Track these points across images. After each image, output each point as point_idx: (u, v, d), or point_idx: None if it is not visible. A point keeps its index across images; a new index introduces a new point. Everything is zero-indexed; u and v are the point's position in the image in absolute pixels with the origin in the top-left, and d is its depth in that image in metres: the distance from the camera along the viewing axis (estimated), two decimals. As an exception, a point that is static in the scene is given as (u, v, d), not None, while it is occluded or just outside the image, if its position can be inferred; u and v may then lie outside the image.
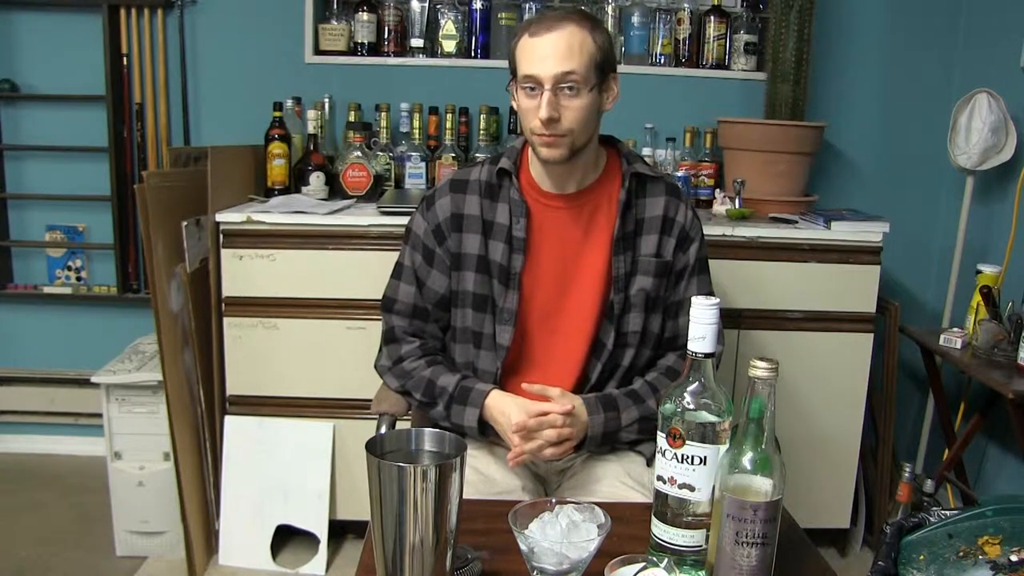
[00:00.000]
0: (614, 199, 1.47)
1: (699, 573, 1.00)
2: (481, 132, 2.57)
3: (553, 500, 1.01)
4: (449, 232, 1.49)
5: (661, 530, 1.02)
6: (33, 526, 2.45)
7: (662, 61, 2.65)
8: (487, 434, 1.45)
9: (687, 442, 0.98)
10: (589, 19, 1.39)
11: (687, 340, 1.50)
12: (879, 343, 2.36)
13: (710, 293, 1.50)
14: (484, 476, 1.44)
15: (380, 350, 1.57)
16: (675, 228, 1.49)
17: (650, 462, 1.46)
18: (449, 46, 2.60)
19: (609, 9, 2.60)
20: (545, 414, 1.37)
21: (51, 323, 2.86)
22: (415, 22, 2.62)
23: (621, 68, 2.57)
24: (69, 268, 2.82)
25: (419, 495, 0.88)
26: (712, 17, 2.59)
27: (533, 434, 1.37)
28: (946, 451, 2.42)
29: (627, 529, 1.06)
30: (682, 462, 0.99)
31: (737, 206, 2.37)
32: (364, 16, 2.58)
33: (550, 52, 1.34)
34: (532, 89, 1.36)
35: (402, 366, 1.51)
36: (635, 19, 2.61)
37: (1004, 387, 1.94)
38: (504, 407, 1.41)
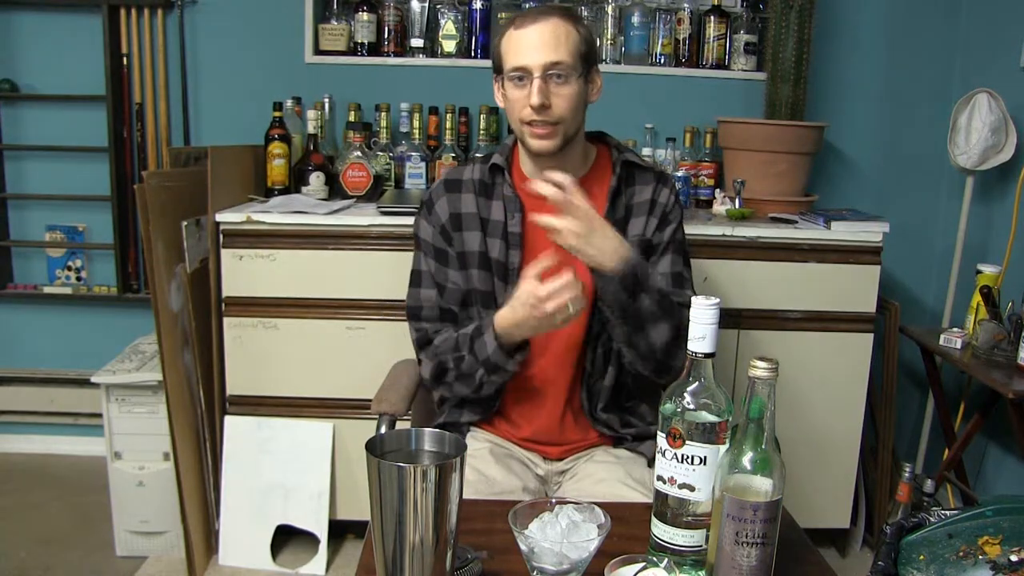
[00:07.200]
0: (605, 188, 1.48)
1: (699, 573, 1.00)
2: (481, 132, 2.57)
3: (553, 500, 1.01)
4: (452, 232, 1.50)
5: (661, 530, 1.02)
6: (33, 526, 2.45)
7: (662, 61, 2.65)
8: (515, 355, 1.39)
9: (687, 442, 0.98)
10: (571, 13, 1.42)
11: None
12: (879, 343, 2.36)
13: (679, 274, 1.49)
14: (484, 476, 1.44)
15: (420, 362, 1.53)
16: (657, 208, 1.51)
17: (651, 463, 1.46)
18: (449, 46, 2.60)
19: (609, 9, 2.60)
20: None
21: (51, 323, 2.86)
22: (415, 22, 2.62)
23: (621, 68, 2.62)
24: (69, 268, 2.82)
25: (419, 495, 0.88)
26: (712, 17, 2.59)
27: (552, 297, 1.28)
28: (946, 451, 2.42)
29: (627, 529, 1.06)
30: (682, 462, 0.99)
31: (737, 206, 2.37)
32: (364, 16, 2.58)
33: (537, 42, 1.36)
34: (521, 79, 1.38)
35: (433, 345, 1.49)
36: (635, 19, 2.61)
37: (1004, 387, 1.94)
38: (509, 304, 1.36)
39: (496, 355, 1.39)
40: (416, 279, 1.54)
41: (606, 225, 1.34)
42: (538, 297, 1.28)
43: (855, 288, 2.23)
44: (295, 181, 2.40)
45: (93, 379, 2.27)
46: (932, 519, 1.05)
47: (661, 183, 1.52)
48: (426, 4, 2.61)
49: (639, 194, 1.50)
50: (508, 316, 1.36)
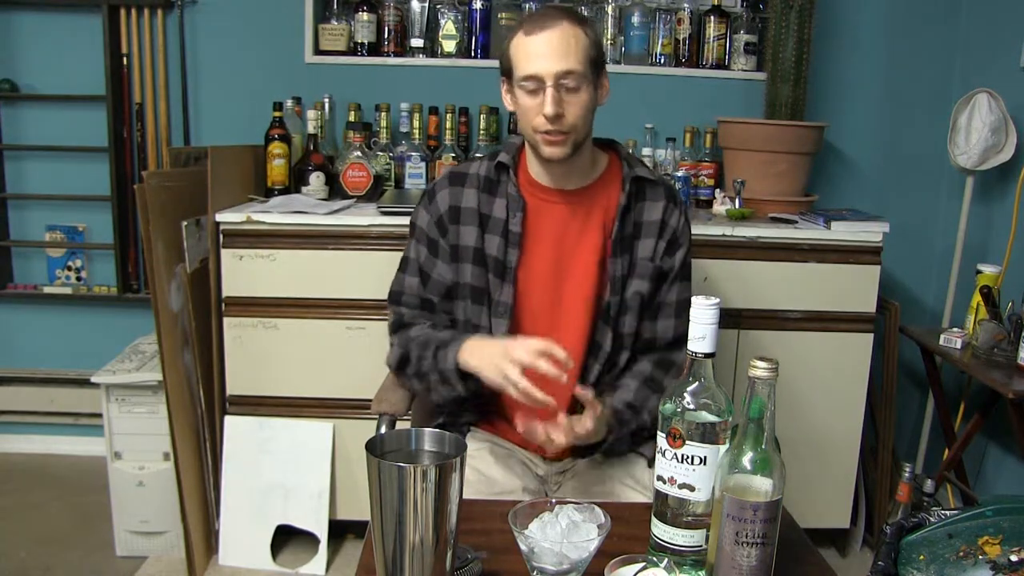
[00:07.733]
0: (613, 200, 1.48)
1: (699, 573, 1.00)
2: (481, 132, 2.57)
3: (553, 500, 1.01)
4: (448, 224, 1.50)
5: (661, 530, 1.02)
6: (33, 526, 2.45)
7: (662, 61, 2.65)
8: (466, 381, 1.39)
9: (687, 442, 0.98)
10: (579, 16, 1.42)
11: (664, 343, 1.48)
12: (879, 343, 2.36)
13: (686, 300, 1.50)
14: (484, 476, 1.44)
15: (391, 345, 1.55)
16: (667, 231, 1.50)
17: (651, 463, 1.46)
18: (449, 46, 2.60)
19: (609, 9, 2.60)
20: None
21: (51, 323, 2.86)
22: (415, 22, 2.62)
23: (621, 68, 2.62)
24: (69, 268, 2.82)
25: (419, 495, 0.88)
26: (712, 17, 2.59)
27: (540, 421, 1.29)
28: (946, 451, 2.42)
29: (627, 529, 1.06)
30: (682, 462, 0.99)
31: (737, 206, 2.37)
32: (364, 16, 2.58)
33: (547, 50, 1.35)
34: (533, 88, 1.37)
35: (408, 333, 1.50)
36: (635, 19, 2.61)
37: (1004, 387, 1.94)
38: (489, 346, 1.36)
39: (451, 372, 1.39)
40: (404, 265, 1.55)
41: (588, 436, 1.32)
42: (509, 381, 1.28)
43: (855, 288, 2.23)
44: (295, 181, 2.40)
45: (93, 379, 2.27)
46: (932, 519, 1.05)
47: (671, 202, 1.51)
48: (426, 4, 2.61)
49: (648, 211, 1.49)
50: (476, 354, 1.35)
